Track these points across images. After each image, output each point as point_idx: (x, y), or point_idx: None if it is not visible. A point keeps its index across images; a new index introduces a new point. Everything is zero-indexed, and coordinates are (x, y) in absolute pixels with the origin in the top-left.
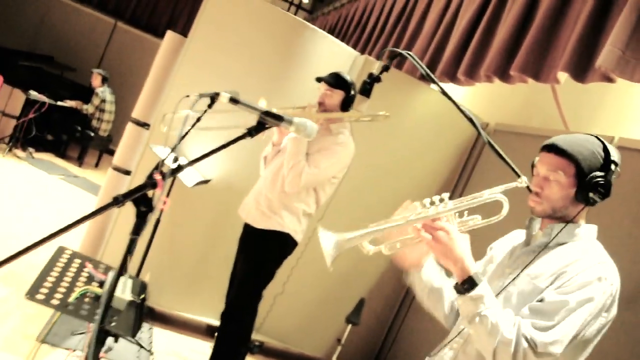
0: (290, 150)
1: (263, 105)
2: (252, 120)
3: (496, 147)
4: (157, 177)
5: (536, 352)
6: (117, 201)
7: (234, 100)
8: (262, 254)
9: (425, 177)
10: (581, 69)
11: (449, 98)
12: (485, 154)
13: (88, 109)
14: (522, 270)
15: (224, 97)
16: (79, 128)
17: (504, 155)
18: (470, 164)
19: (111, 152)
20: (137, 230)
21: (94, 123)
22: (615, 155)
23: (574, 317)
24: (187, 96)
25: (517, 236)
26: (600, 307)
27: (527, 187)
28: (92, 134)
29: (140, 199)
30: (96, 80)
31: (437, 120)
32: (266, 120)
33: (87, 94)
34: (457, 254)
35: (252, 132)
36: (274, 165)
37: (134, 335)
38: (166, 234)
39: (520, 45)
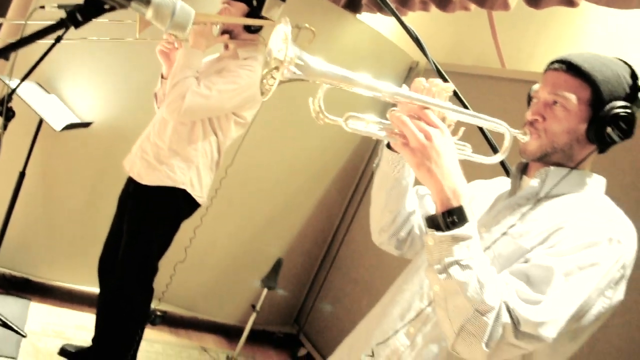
0: (178, 62)
1: None
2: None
3: (444, 74)
4: None
5: (518, 331)
6: None
7: None
8: (149, 217)
9: None
10: None
11: (400, 21)
12: None
13: None
14: (504, 233)
15: None
16: None
17: (453, 85)
18: None
19: None
20: None
21: None
22: None
23: (572, 289)
24: (42, 7)
25: (502, 185)
26: (608, 278)
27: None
28: None
29: None
30: None
31: (365, 54)
32: None
33: None
34: (450, 166)
35: (73, 15)
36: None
37: None
38: (38, 191)
39: None
